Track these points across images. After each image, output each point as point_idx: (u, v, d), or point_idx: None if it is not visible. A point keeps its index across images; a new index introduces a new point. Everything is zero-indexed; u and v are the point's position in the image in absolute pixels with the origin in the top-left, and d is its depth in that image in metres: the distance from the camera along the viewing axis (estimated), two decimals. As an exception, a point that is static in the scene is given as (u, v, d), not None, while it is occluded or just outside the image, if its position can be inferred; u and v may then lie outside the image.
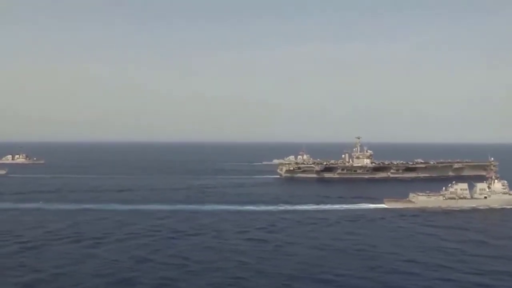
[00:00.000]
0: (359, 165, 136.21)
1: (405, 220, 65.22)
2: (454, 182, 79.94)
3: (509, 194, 77.30)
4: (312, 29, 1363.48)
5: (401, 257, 45.03)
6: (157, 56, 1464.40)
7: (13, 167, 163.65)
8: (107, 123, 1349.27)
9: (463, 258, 44.86)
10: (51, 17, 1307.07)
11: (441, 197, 76.56)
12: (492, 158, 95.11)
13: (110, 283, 36.56)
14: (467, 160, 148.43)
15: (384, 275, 39.30)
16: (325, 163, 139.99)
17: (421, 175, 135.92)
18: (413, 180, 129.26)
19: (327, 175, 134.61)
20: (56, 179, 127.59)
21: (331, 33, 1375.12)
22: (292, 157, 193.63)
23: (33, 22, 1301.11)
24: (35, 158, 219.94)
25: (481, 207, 75.11)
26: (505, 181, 78.66)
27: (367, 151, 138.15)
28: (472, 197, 76.84)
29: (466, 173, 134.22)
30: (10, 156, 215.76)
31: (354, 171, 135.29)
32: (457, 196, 76.43)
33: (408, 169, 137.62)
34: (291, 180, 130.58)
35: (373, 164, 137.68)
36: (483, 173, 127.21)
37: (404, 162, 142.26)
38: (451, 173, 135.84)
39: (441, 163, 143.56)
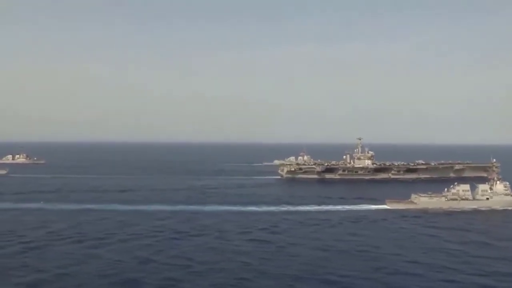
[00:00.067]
0: (360, 166, 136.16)
1: (407, 221, 65.21)
2: (456, 183, 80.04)
3: (511, 196, 77.26)
4: (312, 29, 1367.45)
5: (404, 258, 45.00)
6: (157, 56, 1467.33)
7: (14, 167, 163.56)
8: (107, 123, 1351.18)
9: (466, 259, 44.84)
10: (51, 17, 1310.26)
11: (443, 198, 76.56)
12: (494, 160, 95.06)
13: (114, 284, 36.51)
14: (468, 162, 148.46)
15: (387, 276, 39.28)
16: (326, 164, 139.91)
17: (422, 176, 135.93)
18: (414, 181, 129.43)
19: (328, 176, 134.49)
20: (57, 179, 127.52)
21: (331, 33, 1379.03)
22: (292, 158, 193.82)
23: (33, 22, 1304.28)
24: (35, 158, 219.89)
25: (483, 209, 75.08)
26: (507, 183, 78.62)
27: (368, 152, 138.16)
28: (474, 198, 76.88)
29: (467, 174, 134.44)
30: (11, 156, 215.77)
31: (355, 172, 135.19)
32: (459, 197, 76.44)
33: (409, 170, 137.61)
34: (292, 181, 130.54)
35: (374, 165, 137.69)
36: (484, 174, 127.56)
37: (405, 163, 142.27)
38: (452, 174, 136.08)
39: (442, 164, 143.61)
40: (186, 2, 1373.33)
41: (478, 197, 77.10)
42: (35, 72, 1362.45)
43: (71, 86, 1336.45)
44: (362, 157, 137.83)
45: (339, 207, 76.15)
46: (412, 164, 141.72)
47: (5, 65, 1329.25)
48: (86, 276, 38.04)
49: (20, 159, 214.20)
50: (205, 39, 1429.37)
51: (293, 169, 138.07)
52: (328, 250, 47.93)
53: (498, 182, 78.15)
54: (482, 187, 77.94)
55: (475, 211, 73.69)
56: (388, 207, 75.60)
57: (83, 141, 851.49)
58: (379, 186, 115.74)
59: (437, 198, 76.79)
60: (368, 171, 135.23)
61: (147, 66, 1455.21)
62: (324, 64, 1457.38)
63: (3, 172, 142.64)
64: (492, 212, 73.69)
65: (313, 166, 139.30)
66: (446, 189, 78.59)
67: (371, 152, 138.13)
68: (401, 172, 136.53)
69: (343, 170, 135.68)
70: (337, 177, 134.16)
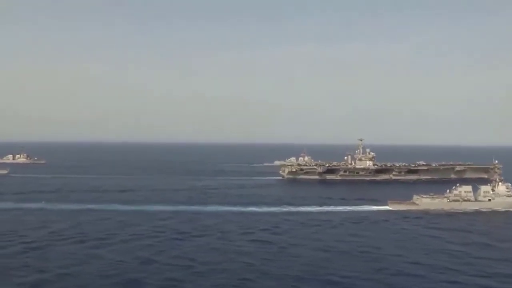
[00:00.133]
0: (362, 167, 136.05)
1: (409, 222, 65.13)
2: (458, 184, 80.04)
3: None
4: (312, 29, 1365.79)
5: (406, 259, 44.90)
6: (157, 56, 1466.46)
7: (14, 167, 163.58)
8: (107, 123, 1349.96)
9: (468, 261, 44.74)
10: (51, 17, 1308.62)
11: (445, 200, 76.52)
12: (496, 161, 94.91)
13: (116, 284, 36.42)
14: (469, 163, 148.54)
15: (390, 277, 39.18)
16: (327, 165, 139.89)
17: (423, 177, 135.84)
18: (415, 182, 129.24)
19: (329, 177, 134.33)
20: (57, 179, 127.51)
21: (331, 33, 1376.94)
22: (293, 159, 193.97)
23: (33, 22, 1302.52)
24: (36, 158, 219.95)
25: (485, 210, 75.00)
26: (509, 184, 78.52)
27: (369, 153, 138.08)
28: (476, 200, 76.86)
29: (468, 175, 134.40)
30: (11, 155, 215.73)
31: (357, 173, 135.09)
32: (461, 198, 76.38)
33: (410, 171, 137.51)
34: (293, 181, 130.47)
35: (376, 166, 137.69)
36: (485, 175, 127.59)
37: (406, 164, 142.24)
38: (453, 176, 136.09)
39: (443, 165, 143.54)
40: (186, 2, 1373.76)
41: (480, 198, 77.04)
42: (35, 72, 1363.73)
43: (71, 86, 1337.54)
44: (363, 158, 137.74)
45: (340, 208, 76.06)
46: (413, 165, 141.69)
47: (5, 65, 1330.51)
48: (88, 277, 37.96)
49: (21, 159, 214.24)
50: (205, 39, 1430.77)
51: (294, 170, 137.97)
52: (330, 251, 47.85)
53: (500, 183, 78.09)
54: (484, 188, 77.89)
55: (477, 212, 73.64)
56: (390, 208, 75.50)
57: (83, 141, 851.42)
58: (380, 187, 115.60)
59: (439, 199, 76.73)
60: (369, 172, 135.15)
61: (147, 66, 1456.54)
62: (324, 64, 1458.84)
63: (4, 172, 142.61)
64: (494, 213, 73.60)
65: (314, 167, 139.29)
66: (448, 190, 78.55)
67: (372, 153, 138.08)
68: (402, 173, 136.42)
69: (344, 171, 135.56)
70: (338, 178, 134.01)
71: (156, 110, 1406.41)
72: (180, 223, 61.82)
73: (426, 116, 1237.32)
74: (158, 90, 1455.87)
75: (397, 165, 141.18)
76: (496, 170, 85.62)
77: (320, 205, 78.47)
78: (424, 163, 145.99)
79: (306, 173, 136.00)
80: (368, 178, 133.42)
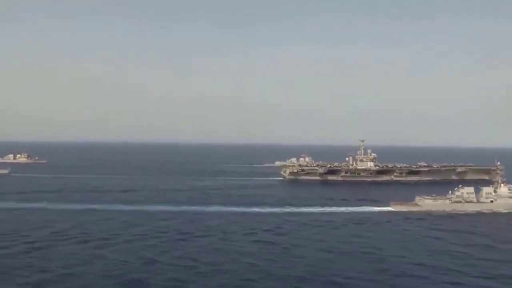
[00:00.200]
0: (363, 168, 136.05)
1: (411, 223, 65.13)
2: (460, 186, 79.98)
3: None
4: (312, 29, 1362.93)
5: (409, 260, 44.86)
6: (157, 56, 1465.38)
7: (15, 167, 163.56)
8: (107, 123, 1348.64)
9: (471, 262, 44.71)
10: (51, 17, 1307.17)
11: (447, 201, 76.52)
12: (499, 162, 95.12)
13: (119, 284, 36.39)
14: (470, 164, 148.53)
15: (393, 278, 39.18)
16: (328, 166, 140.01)
17: (424, 178, 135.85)
18: (416, 183, 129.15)
19: (330, 177, 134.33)
20: (58, 179, 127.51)
21: (331, 33, 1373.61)
22: (294, 159, 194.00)
23: (33, 22, 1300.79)
24: (36, 158, 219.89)
25: (487, 211, 74.99)
26: (511, 185, 78.50)
27: (370, 154, 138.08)
28: (478, 201, 76.81)
29: (469, 177, 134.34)
30: (12, 155, 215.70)
31: (358, 174, 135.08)
32: (463, 199, 76.35)
33: (411, 172, 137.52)
34: (294, 182, 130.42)
35: (377, 167, 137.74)
36: (486, 177, 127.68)
37: (407, 166, 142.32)
38: (454, 177, 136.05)
39: (444, 166, 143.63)
40: (186, 2, 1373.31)
41: (482, 199, 77.02)
42: (35, 72, 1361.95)
43: (71, 86, 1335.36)
44: (364, 159, 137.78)
45: (342, 209, 76.03)
46: (415, 167, 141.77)
47: (5, 65, 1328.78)
48: (91, 277, 37.92)
49: (22, 158, 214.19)
50: (205, 39, 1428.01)
51: (295, 171, 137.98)
52: (333, 252, 47.84)
53: (502, 185, 78.12)
54: (486, 189, 77.89)
55: (479, 214, 73.61)
56: (393, 209, 75.50)
57: (83, 141, 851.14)
58: (382, 188, 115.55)
59: (442, 201, 76.74)
60: (371, 173, 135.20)
61: (147, 66, 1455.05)
62: (324, 64, 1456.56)
63: (5, 171, 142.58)
64: (496, 215, 73.60)
65: (316, 167, 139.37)
66: (450, 192, 78.56)
67: (373, 154, 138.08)
68: (404, 174, 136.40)
69: (346, 172, 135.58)
70: (340, 178, 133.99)
71: (156, 110, 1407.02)
72: (183, 224, 61.78)
73: (426, 116, 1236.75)
74: (158, 90, 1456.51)
75: (398, 166, 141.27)
76: (498, 171, 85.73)
77: (322, 206, 78.46)
78: (425, 164, 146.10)
79: (308, 174, 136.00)
80: (369, 179, 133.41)
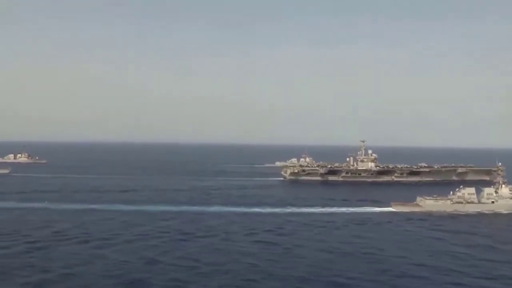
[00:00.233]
0: (364, 168, 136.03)
1: (412, 224, 65.04)
2: (461, 186, 79.90)
3: None
4: (313, 30, 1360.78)
5: (410, 260, 44.81)
6: (157, 56, 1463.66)
7: (16, 166, 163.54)
8: (107, 123, 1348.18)
9: (472, 263, 44.66)
10: (51, 17, 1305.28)
11: (448, 201, 76.49)
12: (500, 163, 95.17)
13: (120, 284, 36.32)
14: (470, 165, 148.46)
15: (394, 278, 39.13)
16: (329, 166, 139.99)
17: (425, 179, 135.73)
18: (416, 184, 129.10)
19: (331, 178, 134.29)
20: (59, 179, 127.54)
21: (332, 34, 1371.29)
22: (294, 160, 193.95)
23: (33, 22, 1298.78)
24: (37, 158, 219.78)
25: (488, 212, 74.95)
26: None
27: (371, 155, 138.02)
28: (479, 202, 76.76)
29: (469, 177, 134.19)
30: (12, 155, 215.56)
31: (359, 174, 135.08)
32: (464, 200, 76.30)
33: (412, 173, 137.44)
34: (295, 182, 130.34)
35: (378, 167, 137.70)
36: (487, 178, 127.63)
37: (408, 166, 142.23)
38: (454, 178, 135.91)
39: (445, 167, 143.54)
40: (186, 2, 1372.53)
41: (483, 200, 77.00)
42: (35, 72, 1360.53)
43: (71, 86, 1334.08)
44: (365, 160, 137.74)
45: (343, 209, 75.94)
46: (415, 167, 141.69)
47: (5, 65, 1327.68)
48: (92, 277, 37.86)
49: (22, 158, 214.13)
50: (205, 39, 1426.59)
51: (296, 171, 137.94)
52: (334, 252, 47.78)
53: (503, 185, 78.04)
54: (487, 190, 77.84)
55: (481, 215, 73.53)
56: (394, 210, 75.49)
57: (83, 141, 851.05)
58: (382, 189, 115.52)
59: (443, 201, 76.71)
60: (371, 174, 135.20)
61: (147, 66, 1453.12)
62: (324, 64, 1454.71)
63: (5, 171, 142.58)
64: (498, 215, 73.51)
65: (316, 168, 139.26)
66: (451, 192, 78.51)
67: (374, 155, 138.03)
68: (404, 175, 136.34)
69: (346, 172, 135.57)
70: (340, 179, 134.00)
71: (156, 110, 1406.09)
72: (184, 224, 61.72)
73: (426, 116, 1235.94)
74: (158, 90, 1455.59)
75: (399, 166, 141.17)
76: (500, 172, 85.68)
77: (323, 206, 78.39)
78: (426, 165, 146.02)
79: (308, 174, 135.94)
80: (369, 180, 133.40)
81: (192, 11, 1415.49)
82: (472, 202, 76.45)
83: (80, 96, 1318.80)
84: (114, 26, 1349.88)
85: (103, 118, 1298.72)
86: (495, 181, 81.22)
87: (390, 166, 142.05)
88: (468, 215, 72.74)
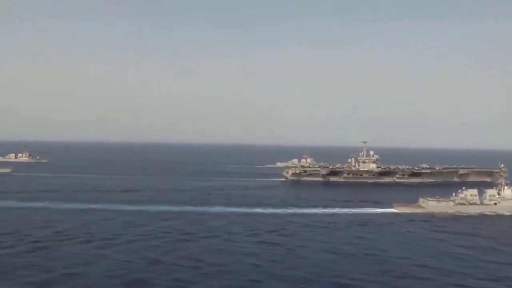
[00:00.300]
0: (365, 169, 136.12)
1: (415, 225, 64.97)
2: (464, 188, 79.88)
3: None
4: (313, 29, 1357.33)
5: (413, 261, 44.77)
6: (157, 57, 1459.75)
7: (17, 166, 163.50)
8: (107, 123, 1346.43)
9: (475, 264, 44.60)
10: (51, 17, 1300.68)
11: (451, 203, 76.44)
12: (502, 165, 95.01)
13: (123, 284, 36.29)
14: (472, 166, 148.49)
15: (397, 279, 39.09)
16: (331, 167, 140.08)
17: (426, 180, 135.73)
18: (418, 185, 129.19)
19: (332, 179, 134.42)
20: (60, 179, 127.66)
21: (331, 33, 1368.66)
22: (295, 161, 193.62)
23: (33, 22, 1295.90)
24: (38, 157, 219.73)
25: (490, 213, 74.87)
26: None
27: (373, 156, 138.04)
28: (482, 203, 76.70)
29: (471, 179, 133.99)
30: (13, 154, 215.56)
31: (360, 175, 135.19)
32: (467, 202, 76.25)
33: (414, 174, 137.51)
34: (297, 183, 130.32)
35: (379, 168, 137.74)
36: (488, 179, 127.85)
37: (410, 167, 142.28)
38: (456, 179, 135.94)
39: (447, 168, 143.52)
40: (186, 2, 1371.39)
41: (486, 202, 76.93)
42: (35, 72, 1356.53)
43: (71, 86, 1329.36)
44: (367, 161, 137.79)
45: (345, 210, 75.83)
46: (417, 168, 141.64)
47: (5, 65, 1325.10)
48: (95, 276, 37.81)
49: (23, 157, 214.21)
50: (205, 39, 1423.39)
51: (298, 172, 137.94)
52: (337, 253, 47.69)
53: (506, 187, 77.97)
54: (490, 192, 77.83)
55: (483, 216, 73.43)
56: (396, 211, 75.42)
57: (83, 140, 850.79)
58: (384, 190, 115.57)
59: (445, 203, 76.65)
60: (373, 175, 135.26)
61: (147, 66, 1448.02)
62: (324, 64, 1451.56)
63: (7, 170, 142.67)
64: (500, 217, 73.43)
65: (318, 169, 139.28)
66: (454, 194, 78.47)
67: (376, 156, 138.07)
68: (406, 176, 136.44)
69: (348, 173, 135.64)
70: (342, 180, 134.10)
71: (156, 110, 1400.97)
72: (185, 224, 61.65)
73: (426, 117, 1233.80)
74: (158, 90, 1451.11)
75: (401, 168, 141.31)
76: (502, 173, 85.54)
77: (325, 207, 78.31)
78: (427, 166, 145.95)
79: (310, 175, 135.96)
80: (371, 181, 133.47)
81: (192, 11, 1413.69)
82: (475, 204, 76.38)
83: (80, 96, 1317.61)
84: (114, 26, 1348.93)
85: (103, 118, 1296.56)
86: (497, 182, 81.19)
87: (392, 167, 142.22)
88: (470, 217, 72.65)
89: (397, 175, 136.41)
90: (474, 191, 77.78)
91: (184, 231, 56.47)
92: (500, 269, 43.04)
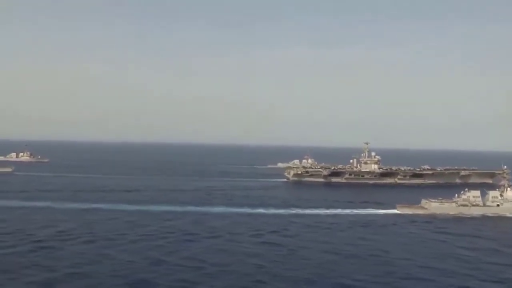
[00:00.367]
0: (367, 170, 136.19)
1: (417, 226, 64.96)
2: (466, 189, 79.84)
3: None
4: (313, 29, 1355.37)
5: (415, 263, 44.82)
6: (157, 56, 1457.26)
7: (18, 165, 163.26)
8: (107, 123, 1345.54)
9: (477, 266, 44.62)
10: (51, 17, 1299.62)
11: (453, 204, 76.38)
12: (505, 166, 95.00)
13: (126, 284, 36.29)
14: (473, 168, 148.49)
15: (400, 280, 39.15)
16: (333, 168, 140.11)
17: (428, 181, 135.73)
18: (419, 186, 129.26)
19: (334, 179, 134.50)
20: (62, 178, 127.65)
21: (331, 33, 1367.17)
22: (297, 161, 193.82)
23: (33, 22, 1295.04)
24: (39, 157, 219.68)
25: (493, 215, 74.80)
26: None
27: (375, 157, 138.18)
28: (484, 205, 76.63)
29: (472, 180, 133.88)
30: (15, 154, 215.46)
31: (362, 176, 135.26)
32: (469, 203, 76.21)
33: (415, 175, 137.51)
34: (298, 183, 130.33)
35: (381, 169, 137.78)
36: (490, 180, 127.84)
37: (411, 168, 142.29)
38: (457, 180, 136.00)
39: (448, 170, 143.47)
40: (186, 2, 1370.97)
41: (488, 203, 76.89)
42: (35, 72, 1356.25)
43: (71, 86, 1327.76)
44: (368, 162, 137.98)
45: (347, 211, 75.77)
46: (419, 169, 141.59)
47: (5, 65, 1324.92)
48: (98, 276, 37.85)
49: (24, 157, 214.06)
50: (205, 39, 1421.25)
51: (299, 172, 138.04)
52: (339, 254, 47.68)
53: (509, 188, 77.89)
54: (492, 193, 77.78)
55: (485, 218, 73.37)
56: (399, 212, 75.45)
57: (83, 140, 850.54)
58: (386, 191, 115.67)
59: (448, 204, 76.60)
60: (375, 176, 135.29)
61: (147, 66, 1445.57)
62: (324, 64, 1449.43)
63: (8, 170, 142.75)
64: (502, 219, 73.31)
65: (320, 169, 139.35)
66: (456, 195, 78.41)
67: (377, 157, 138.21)
68: (407, 177, 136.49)
69: (350, 174, 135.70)
70: (343, 181, 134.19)
71: (156, 110, 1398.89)
72: (188, 224, 61.66)
73: (426, 118, 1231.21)
74: (158, 90, 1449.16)
75: (403, 169, 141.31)
76: (505, 175, 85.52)
77: (327, 208, 78.27)
78: (429, 167, 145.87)
79: (312, 175, 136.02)
80: (372, 182, 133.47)
81: (192, 11, 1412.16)
82: (477, 205, 76.33)
83: (80, 96, 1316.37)
84: (114, 26, 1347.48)
85: (103, 118, 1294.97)
86: (500, 184, 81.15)
87: (393, 168, 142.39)
88: (473, 218, 72.58)
89: (399, 176, 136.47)
90: (477, 193, 77.75)
91: (187, 231, 56.49)
92: (503, 270, 43.04)
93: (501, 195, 77.56)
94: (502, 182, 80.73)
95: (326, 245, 51.36)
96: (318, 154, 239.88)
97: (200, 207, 76.95)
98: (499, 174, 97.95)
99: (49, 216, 64.90)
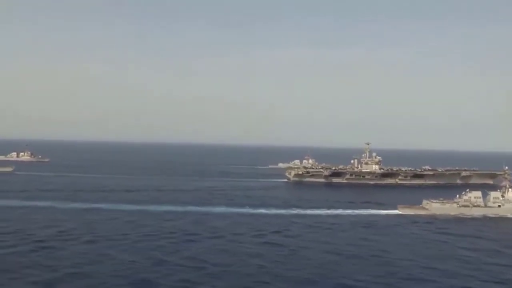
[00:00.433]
0: (368, 170, 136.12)
1: (419, 227, 64.91)
2: (468, 190, 79.84)
3: None
4: (313, 29, 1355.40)
5: (417, 263, 44.78)
6: (157, 56, 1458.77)
7: (19, 165, 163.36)
8: (107, 123, 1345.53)
9: (479, 266, 44.62)
10: (51, 17, 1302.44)
11: (455, 205, 76.32)
12: (507, 167, 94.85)
13: (128, 284, 36.30)
14: (474, 168, 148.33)
15: (401, 281, 39.16)
16: (333, 168, 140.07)
17: (429, 182, 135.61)
18: (420, 186, 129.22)
19: (335, 180, 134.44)
20: (62, 178, 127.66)
21: (332, 33, 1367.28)
22: (297, 161, 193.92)
23: (33, 22, 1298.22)
24: (40, 156, 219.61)
25: (494, 216, 74.69)
26: None
27: (376, 157, 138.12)
28: (486, 206, 76.58)
29: (473, 181, 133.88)
30: (15, 153, 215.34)
31: (363, 176, 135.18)
32: (471, 204, 76.17)
33: (416, 176, 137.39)
34: (299, 184, 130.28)
35: (382, 170, 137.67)
36: (490, 181, 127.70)
37: (412, 169, 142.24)
38: (458, 181, 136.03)
39: (449, 170, 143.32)
40: (186, 2, 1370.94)
41: (489, 204, 76.84)
42: (35, 72, 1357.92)
43: (71, 86, 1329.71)
44: (369, 162, 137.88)
45: (349, 211, 75.73)
46: (419, 170, 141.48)
47: (5, 65, 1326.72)
48: (100, 276, 37.85)
49: (25, 156, 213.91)
50: (205, 39, 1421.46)
51: (300, 173, 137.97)
52: (341, 254, 47.67)
53: (510, 189, 77.81)
54: (494, 194, 77.76)
55: (487, 218, 73.32)
56: (400, 212, 75.41)
57: (84, 140, 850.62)
58: (387, 191, 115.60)
59: (449, 205, 76.54)
60: (376, 176, 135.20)
61: (147, 66, 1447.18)
62: (324, 64, 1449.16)
63: (9, 169, 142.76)
64: (504, 219, 73.28)
65: (321, 170, 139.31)
66: (458, 196, 78.41)
67: (378, 157, 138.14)
68: (408, 178, 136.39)
69: (351, 175, 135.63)
70: (344, 181, 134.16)
71: (156, 110, 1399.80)
72: (189, 224, 61.62)
73: (426, 118, 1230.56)
74: (158, 90, 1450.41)
75: (403, 169, 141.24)
76: (506, 176, 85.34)
77: (328, 208, 78.23)
78: (430, 168, 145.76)
79: (312, 176, 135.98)
80: (373, 182, 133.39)
81: (192, 11, 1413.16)
82: (479, 206, 76.30)
83: (80, 96, 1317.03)
84: (114, 26, 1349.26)
85: (103, 118, 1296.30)
86: (501, 185, 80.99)
87: (394, 168, 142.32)
88: (474, 219, 72.53)
89: (400, 177, 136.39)
90: (478, 193, 77.73)
91: (188, 231, 56.45)
92: (504, 271, 43.04)
93: (502, 196, 77.51)
94: (504, 183, 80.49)
95: (327, 246, 51.36)
96: (319, 154, 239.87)
97: (201, 207, 76.93)
98: (501, 175, 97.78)
99: (49, 216, 64.88)
